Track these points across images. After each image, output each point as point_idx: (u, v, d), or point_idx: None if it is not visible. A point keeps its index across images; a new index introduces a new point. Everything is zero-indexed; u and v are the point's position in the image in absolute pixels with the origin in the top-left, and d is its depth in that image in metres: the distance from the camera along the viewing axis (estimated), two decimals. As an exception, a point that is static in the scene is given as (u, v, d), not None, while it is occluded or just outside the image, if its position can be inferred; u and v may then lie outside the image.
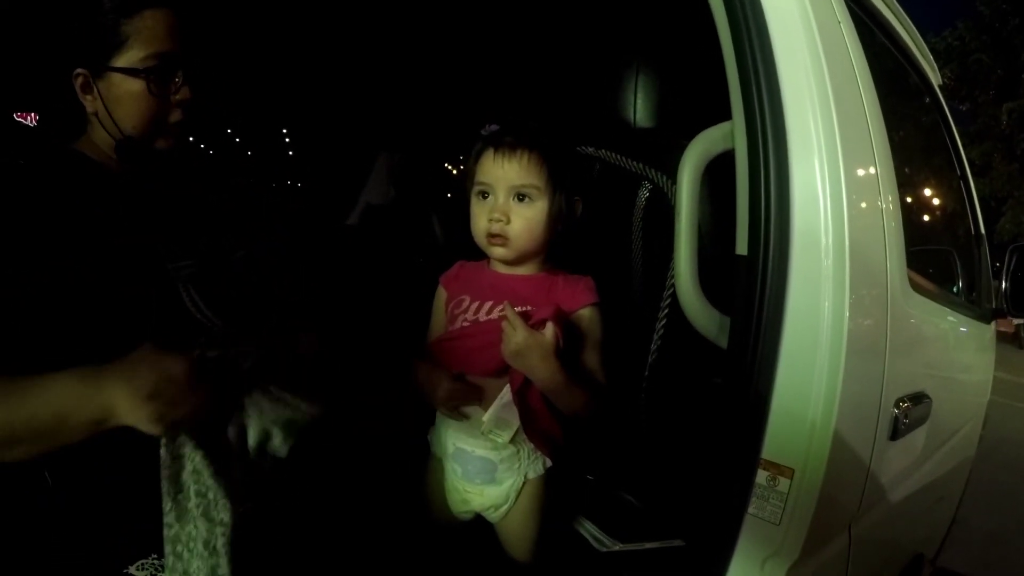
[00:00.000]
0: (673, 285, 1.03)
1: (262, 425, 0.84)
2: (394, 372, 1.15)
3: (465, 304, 1.06)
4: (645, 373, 1.09)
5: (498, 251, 1.03)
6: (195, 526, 0.76)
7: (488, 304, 1.04)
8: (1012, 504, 3.48)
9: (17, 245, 0.79)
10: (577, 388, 0.98)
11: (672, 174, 0.94)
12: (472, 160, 1.05)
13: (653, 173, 1.09)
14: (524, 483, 1.02)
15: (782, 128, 0.80)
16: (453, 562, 1.07)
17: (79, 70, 0.91)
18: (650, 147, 1.13)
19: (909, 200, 1.29)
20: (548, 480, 1.04)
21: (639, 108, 1.18)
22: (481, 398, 1.02)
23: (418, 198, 2.19)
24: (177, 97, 0.94)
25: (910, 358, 1.05)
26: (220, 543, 0.76)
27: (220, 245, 1.02)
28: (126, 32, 0.89)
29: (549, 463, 1.04)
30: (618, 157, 1.15)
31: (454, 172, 2.53)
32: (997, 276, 1.75)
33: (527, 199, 1.00)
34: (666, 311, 1.04)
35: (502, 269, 1.07)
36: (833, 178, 0.79)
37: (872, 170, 0.91)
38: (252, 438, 0.83)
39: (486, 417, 1.00)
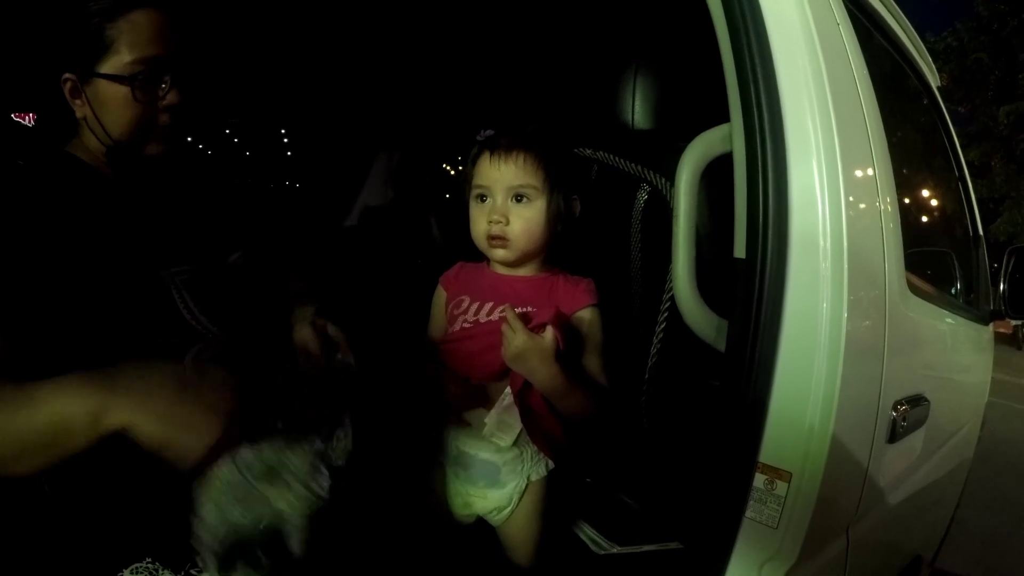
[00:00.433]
0: (672, 288, 1.03)
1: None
2: (394, 373, 1.15)
3: (465, 305, 1.06)
4: (645, 376, 1.09)
5: (499, 253, 1.03)
6: None
7: (488, 305, 1.04)
8: (1010, 506, 3.48)
9: (10, 249, 0.78)
10: (578, 390, 0.98)
11: (670, 176, 0.94)
12: (470, 164, 1.05)
13: (651, 175, 1.09)
14: (527, 485, 1.02)
15: (780, 130, 0.79)
16: (454, 566, 1.06)
17: (67, 75, 0.90)
18: (648, 149, 1.13)
19: (907, 202, 1.29)
20: (551, 482, 1.04)
21: (637, 110, 1.18)
22: (484, 402, 1.02)
23: (416, 198, 2.19)
24: (165, 102, 0.93)
25: (908, 360, 1.05)
26: None
27: (215, 249, 1.02)
28: (111, 36, 0.88)
29: (552, 465, 1.04)
30: (616, 159, 1.16)
31: (452, 172, 2.53)
32: (995, 277, 1.75)
33: (525, 199, 1.01)
34: (666, 314, 1.04)
35: (502, 270, 1.07)
36: (831, 180, 0.79)
37: (870, 172, 0.90)
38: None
39: (488, 419, 1.00)
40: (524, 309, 1.00)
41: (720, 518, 0.82)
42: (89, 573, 0.78)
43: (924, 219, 2.06)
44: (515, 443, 1.01)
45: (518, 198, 1.01)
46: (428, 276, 1.18)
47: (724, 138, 0.88)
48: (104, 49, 0.88)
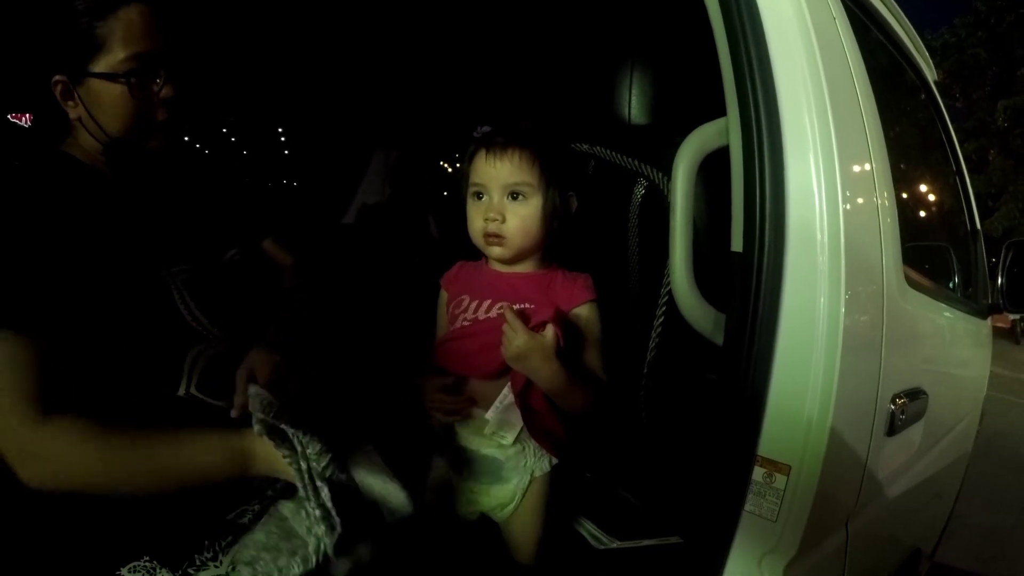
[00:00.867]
0: (670, 282, 1.03)
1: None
2: (392, 372, 1.15)
3: (465, 303, 1.06)
4: (644, 370, 1.09)
5: (496, 250, 1.03)
6: None
7: (487, 302, 1.04)
8: (1009, 499, 3.49)
9: (14, 250, 0.78)
10: (579, 386, 0.98)
11: (668, 171, 0.94)
12: (466, 162, 1.05)
13: (648, 170, 1.09)
14: (530, 481, 1.02)
15: (777, 124, 0.79)
16: (457, 563, 1.06)
17: (57, 77, 0.88)
18: (645, 144, 1.13)
19: (905, 196, 1.29)
20: (553, 478, 1.04)
21: (634, 105, 1.18)
22: (485, 400, 1.02)
23: (414, 196, 2.19)
24: (161, 96, 0.92)
25: (906, 354, 1.05)
26: None
27: (214, 247, 1.02)
28: (102, 35, 0.86)
29: (555, 461, 1.04)
30: (613, 154, 1.16)
31: (450, 170, 2.53)
32: (993, 271, 1.75)
33: (521, 197, 1.01)
34: (664, 308, 1.04)
35: (500, 267, 1.08)
36: (828, 174, 0.79)
37: (867, 166, 0.90)
38: None
39: (489, 415, 1.00)
40: (523, 306, 1.01)
41: (719, 512, 0.82)
42: (87, 572, 0.77)
43: (922, 213, 2.06)
44: (517, 440, 1.01)
45: (514, 196, 1.01)
46: (426, 274, 1.18)
47: (721, 132, 0.88)
48: (96, 48, 0.87)
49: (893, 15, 1.37)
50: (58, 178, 0.90)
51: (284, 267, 1.17)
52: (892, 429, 0.96)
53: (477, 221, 1.03)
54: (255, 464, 0.84)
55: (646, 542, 1.01)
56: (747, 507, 0.80)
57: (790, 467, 0.78)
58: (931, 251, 1.77)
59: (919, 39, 1.59)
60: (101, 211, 0.89)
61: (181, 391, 0.88)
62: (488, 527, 1.07)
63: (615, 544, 1.03)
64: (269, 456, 0.82)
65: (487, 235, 1.02)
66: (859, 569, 1.01)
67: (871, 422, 0.90)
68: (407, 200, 2.20)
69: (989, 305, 1.75)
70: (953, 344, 1.44)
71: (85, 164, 0.93)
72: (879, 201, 0.92)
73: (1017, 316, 1.72)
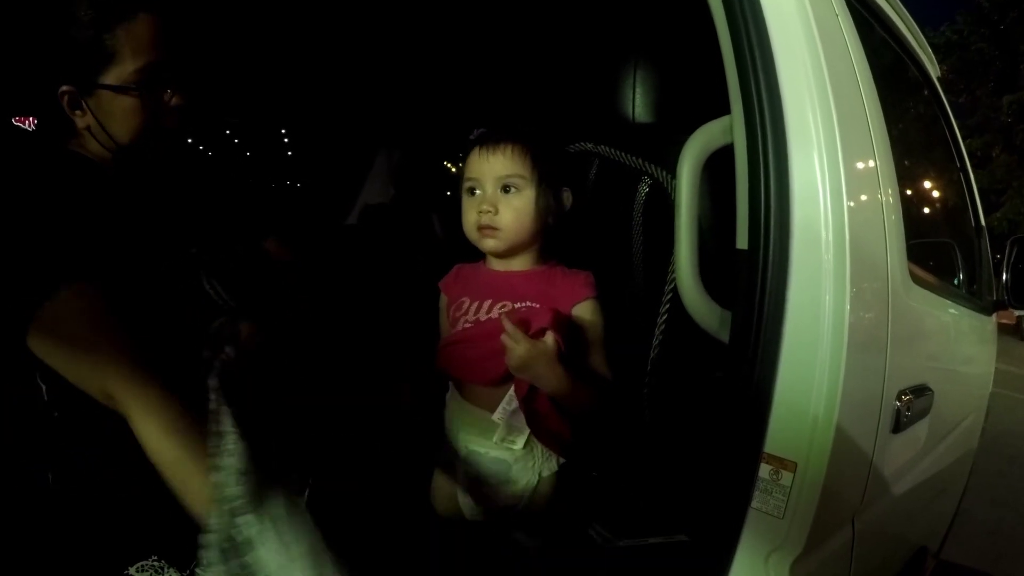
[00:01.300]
0: (674, 280, 1.04)
1: None
2: (396, 373, 1.15)
3: (465, 306, 1.06)
4: (648, 368, 1.09)
5: (489, 243, 1.04)
6: None
7: (487, 303, 1.04)
8: (1015, 497, 3.48)
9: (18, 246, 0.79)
10: (583, 387, 0.98)
11: (672, 169, 0.94)
12: (462, 162, 1.07)
13: (652, 168, 1.10)
14: (538, 481, 1.02)
15: (781, 122, 0.79)
16: (464, 563, 1.07)
17: (64, 88, 0.88)
18: (650, 142, 1.13)
19: (909, 193, 1.29)
20: (561, 477, 1.04)
21: (638, 104, 1.18)
22: (489, 405, 1.03)
23: (418, 197, 2.19)
24: (172, 104, 0.93)
25: (912, 351, 1.05)
26: None
27: (220, 243, 1.03)
28: (111, 46, 0.87)
29: (563, 460, 1.04)
30: (617, 153, 1.16)
31: (454, 170, 2.53)
32: (997, 268, 1.75)
33: (513, 190, 1.02)
34: (667, 306, 1.05)
35: (498, 266, 1.08)
36: (832, 172, 0.79)
37: (872, 163, 0.90)
38: None
39: (496, 417, 1.00)
40: (523, 304, 1.01)
41: (726, 509, 0.82)
42: (95, 570, 0.78)
43: (926, 210, 2.06)
44: (526, 443, 1.01)
45: (507, 188, 1.02)
46: (430, 275, 1.19)
47: (725, 130, 0.88)
48: (106, 60, 0.87)
49: (896, 11, 1.37)
50: (67, 175, 0.90)
51: (287, 267, 1.17)
52: (898, 426, 0.96)
53: (471, 215, 1.04)
54: None
55: (652, 540, 1.01)
56: (754, 504, 0.80)
57: (796, 464, 0.78)
58: (935, 248, 1.76)
59: (922, 35, 1.58)
60: (109, 206, 0.89)
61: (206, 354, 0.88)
62: (495, 528, 1.07)
63: (622, 542, 1.03)
64: None
65: (480, 227, 1.03)
66: (865, 566, 1.01)
67: (877, 419, 0.90)
68: (411, 201, 2.21)
69: (994, 301, 1.75)
70: (958, 341, 1.44)
71: (92, 161, 0.93)
72: (883, 198, 0.92)
73: (1022, 312, 1.71)
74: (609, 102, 1.21)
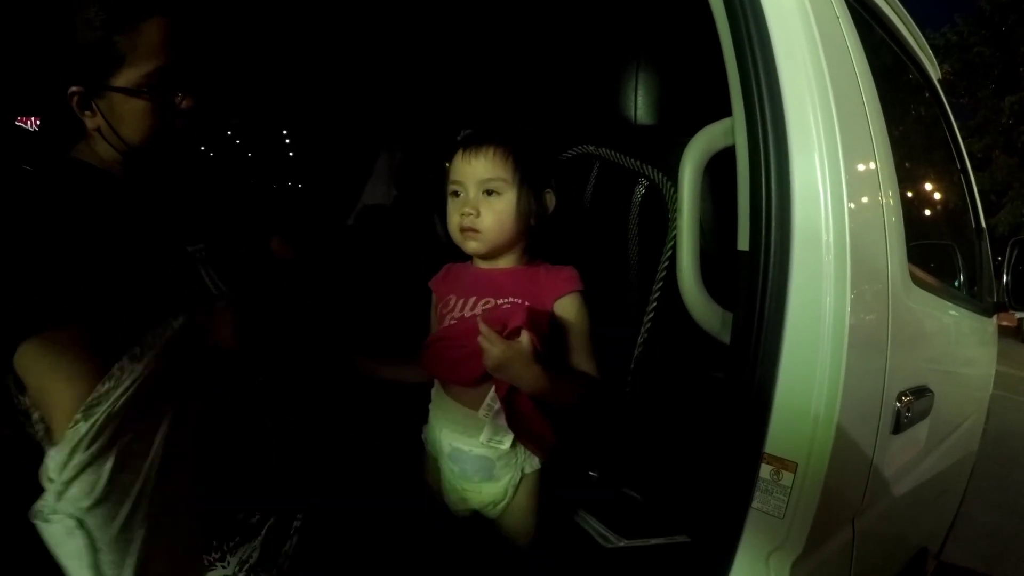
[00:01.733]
0: (663, 279, 1.05)
1: None
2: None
3: (452, 303, 1.08)
4: (631, 366, 1.12)
5: (471, 244, 1.06)
6: None
7: (472, 299, 1.06)
8: (1016, 498, 3.47)
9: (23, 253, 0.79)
10: (565, 384, 0.99)
11: (671, 171, 0.95)
12: (449, 164, 1.08)
13: (649, 170, 1.11)
14: (521, 478, 1.03)
15: (782, 124, 0.80)
16: (455, 561, 1.07)
17: (74, 88, 0.89)
18: (651, 144, 1.14)
19: (910, 195, 1.30)
20: (545, 474, 1.05)
21: (640, 106, 1.19)
22: (472, 403, 1.04)
23: (420, 197, 2.19)
24: (182, 107, 0.94)
25: (912, 352, 1.05)
26: None
27: (224, 245, 1.04)
28: (122, 49, 0.87)
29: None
30: (617, 155, 1.17)
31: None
32: (998, 270, 1.75)
33: (495, 193, 1.03)
34: (654, 305, 1.07)
35: (484, 264, 1.10)
36: (833, 174, 0.80)
37: (872, 165, 0.91)
38: None
39: (482, 414, 1.01)
40: (506, 300, 1.03)
41: (727, 509, 0.82)
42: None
43: (927, 212, 2.06)
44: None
45: (488, 191, 1.03)
46: (431, 275, 1.20)
47: (726, 132, 0.88)
48: (117, 62, 0.88)
49: (896, 13, 1.37)
50: (76, 185, 0.91)
51: (291, 266, 1.18)
52: (898, 427, 0.97)
53: (454, 216, 1.06)
54: None
55: (654, 541, 1.02)
56: (755, 504, 0.81)
57: (797, 464, 0.78)
58: (936, 249, 1.77)
59: (922, 37, 1.59)
60: (117, 213, 0.90)
61: None
62: (484, 524, 1.07)
63: (623, 543, 1.03)
64: None
65: (463, 229, 1.05)
66: (866, 567, 1.02)
67: (877, 420, 0.91)
68: (412, 201, 2.21)
69: (994, 303, 1.75)
70: (958, 342, 1.44)
71: (100, 170, 0.94)
72: (883, 200, 0.92)
73: (1023, 314, 1.71)
74: (612, 104, 1.22)
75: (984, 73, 17.46)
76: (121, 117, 0.90)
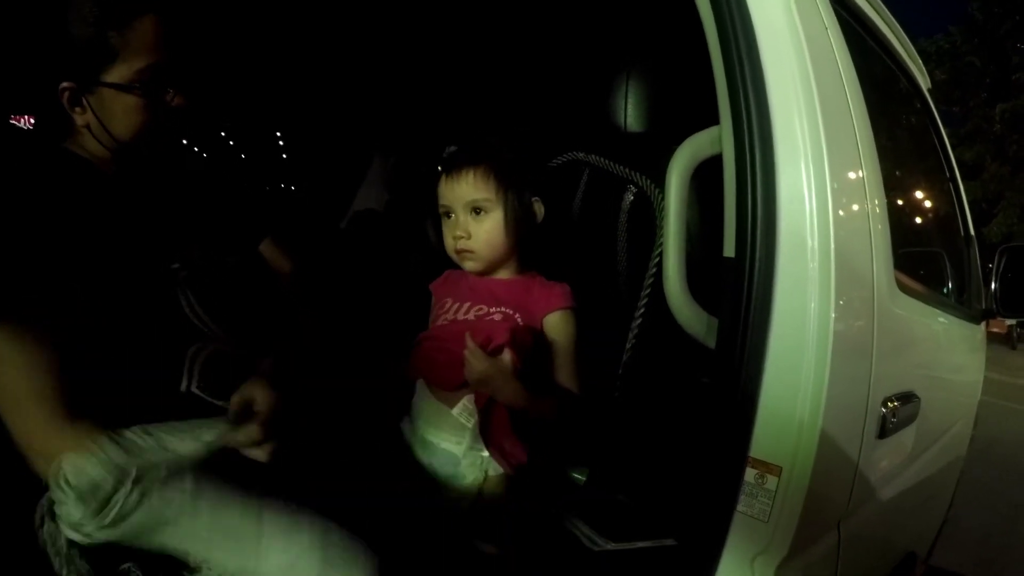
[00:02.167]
0: (650, 285, 1.06)
1: None
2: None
3: (447, 305, 1.12)
4: (619, 371, 1.13)
5: (468, 264, 1.11)
6: None
7: (467, 305, 1.10)
8: (1005, 504, 3.49)
9: (19, 247, 0.79)
10: (543, 400, 1.03)
11: (661, 178, 0.96)
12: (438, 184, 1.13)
13: (638, 177, 1.13)
14: (485, 479, 1.04)
15: (769, 133, 0.81)
16: (440, 559, 1.07)
17: (65, 84, 0.89)
18: (641, 151, 1.15)
19: (898, 203, 1.31)
20: (513, 478, 1.05)
21: (630, 113, 1.20)
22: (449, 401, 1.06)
23: (413, 202, 2.19)
24: (173, 105, 0.94)
25: (898, 358, 1.06)
26: None
27: (213, 250, 1.03)
28: (116, 45, 0.87)
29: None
30: (606, 162, 1.19)
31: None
32: (988, 278, 1.76)
33: (482, 212, 1.07)
34: (642, 311, 1.08)
35: (481, 275, 1.14)
36: (819, 182, 0.81)
37: (858, 174, 0.92)
38: None
39: (456, 413, 1.03)
40: (498, 309, 1.07)
41: (712, 512, 0.83)
42: (90, 566, 0.79)
43: (915, 220, 2.08)
44: (477, 439, 1.04)
45: (476, 211, 1.08)
46: (424, 280, 1.21)
47: (714, 140, 0.89)
48: (110, 58, 0.88)
49: (886, 24, 1.39)
50: (62, 174, 0.91)
51: (283, 273, 1.18)
52: (883, 432, 0.97)
53: (448, 239, 1.11)
54: None
55: (641, 544, 1.02)
56: (739, 508, 0.81)
57: (781, 468, 0.79)
58: (925, 257, 1.78)
59: (912, 47, 1.61)
60: (105, 208, 0.90)
61: (182, 387, 0.89)
62: (455, 519, 1.07)
63: (610, 546, 1.03)
64: None
65: (458, 251, 1.10)
66: (852, 571, 1.02)
67: (862, 425, 0.92)
68: (406, 206, 2.21)
69: (983, 310, 1.77)
70: (946, 349, 1.46)
71: (89, 162, 0.94)
72: (870, 207, 0.93)
73: (1013, 321, 1.72)
74: (601, 111, 1.23)
75: (976, 82, 17.58)
76: (112, 113, 0.91)
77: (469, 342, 0.98)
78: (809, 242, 0.79)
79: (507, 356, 0.99)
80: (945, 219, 1.99)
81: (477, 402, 1.02)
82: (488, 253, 1.09)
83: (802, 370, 0.78)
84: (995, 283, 1.70)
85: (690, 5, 0.90)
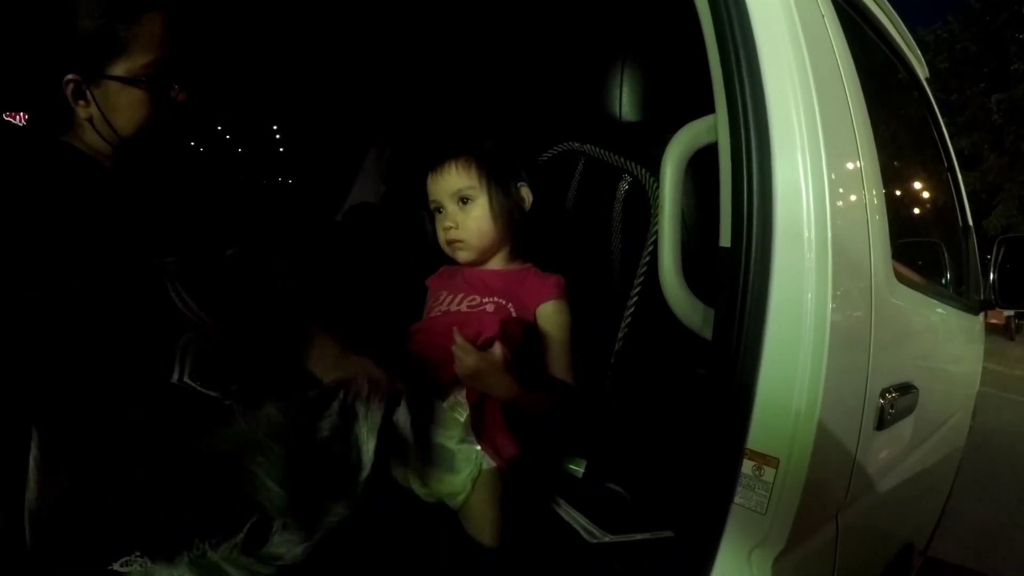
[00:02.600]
0: (643, 274, 1.07)
1: None
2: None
3: (442, 297, 1.14)
4: (611, 361, 1.12)
5: (461, 254, 1.13)
6: None
7: (460, 295, 1.11)
8: (1003, 495, 3.50)
9: (12, 239, 0.78)
10: (537, 394, 1.03)
11: (655, 167, 0.95)
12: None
13: (632, 166, 1.13)
14: (479, 473, 1.04)
15: (765, 122, 0.80)
16: (432, 553, 1.06)
17: (70, 76, 0.89)
18: (636, 140, 1.15)
19: (896, 193, 1.30)
20: (509, 471, 1.05)
21: (625, 102, 1.19)
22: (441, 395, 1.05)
23: (409, 195, 2.18)
24: (177, 100, 0.94)
25: (896, 349, 1.06)
26: None
27: (210, 243, 1.03)
28: (124, 38, 0.88)
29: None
30: (600, 151, 1.19)
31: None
32: (986, 268, 1.76)
33: (469, 201, 1.10)
34: (635, 300, 1.08)
35: (475, 266, 1.15)
36: (815, 171, 0.80)
37: (855, 163, 0.91)
38: None
39: (447, 406, 1.03)
40: (491, 299, 1.08)
41: (709, 504, 0.82)
42: (79, 565, 0.78)
43: (913, 210, 2.07)
44: (470, 432, 1.03)
45: (463, 201, 1.10)
46: (419, 273, 1.21)
47: (709, 129, 0.89)
48: (117, 52, 0.88)
49: (884, 12, 1.38)
50: (63, 168, 0.90)
51: (283, 271, 1.17)
52: (881, 423, 0.97)
53: (440, 232, 1.13)
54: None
55: (638, 536, 1.02)
56: (736, 500, 0.81)
57: (779, 460, 0.78)
58: (923, 247, 1.78)
59: (910, 36, 1.59)
60: (105, 203, 0.89)
61: (174, 378, 0.88)
62: (447, 515, 1.07)
63: (608, 538, 1.03)
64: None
65: (449, 242, 1.12)
66: (850, 562, 1.02)
67: (860, 416, 0.91)
68: (402, 198, 2.20)
69: (982, 301, 1.76)
70: (944, 339, 1.45)
71: (86, 155, 0.93)
72: (867, 198, 0.92)
73: (1011, 312, 1.73)
74: (597, 100, 1.22)
75: (973, 71, 17.56)
76: (116, 107, 0.90)
77: (458, 337, 0.98)
78: (806, 232, 0.78)
79: (497, 350, 0.99)
80: (943, 209, 1.98)
81: (469, 396, 1.02)
82: (478, 241, 1.10)
83: (799, 361, 0.77)
84: (993, 274, 1.69)
85: (685, -8, 0.89)
